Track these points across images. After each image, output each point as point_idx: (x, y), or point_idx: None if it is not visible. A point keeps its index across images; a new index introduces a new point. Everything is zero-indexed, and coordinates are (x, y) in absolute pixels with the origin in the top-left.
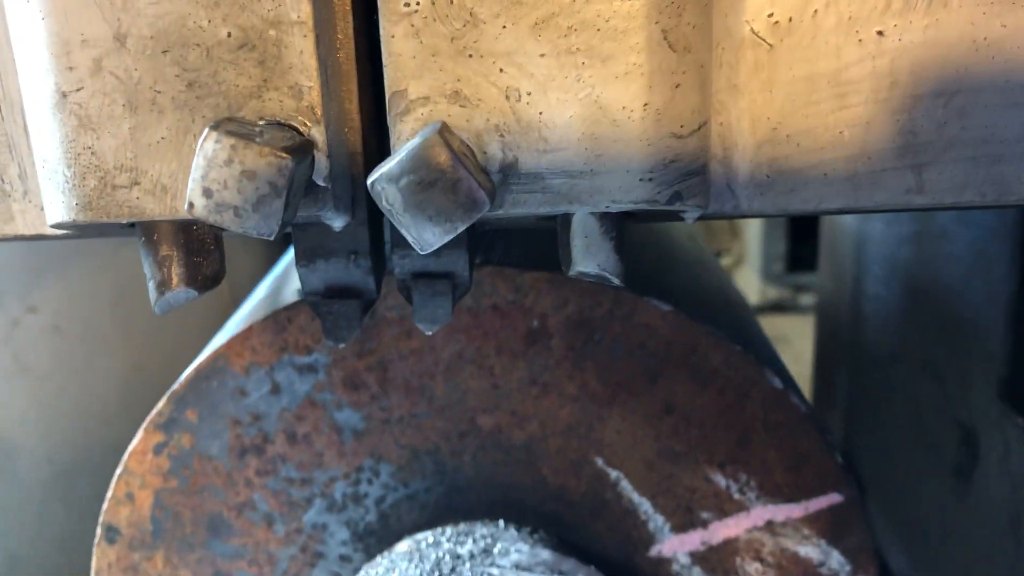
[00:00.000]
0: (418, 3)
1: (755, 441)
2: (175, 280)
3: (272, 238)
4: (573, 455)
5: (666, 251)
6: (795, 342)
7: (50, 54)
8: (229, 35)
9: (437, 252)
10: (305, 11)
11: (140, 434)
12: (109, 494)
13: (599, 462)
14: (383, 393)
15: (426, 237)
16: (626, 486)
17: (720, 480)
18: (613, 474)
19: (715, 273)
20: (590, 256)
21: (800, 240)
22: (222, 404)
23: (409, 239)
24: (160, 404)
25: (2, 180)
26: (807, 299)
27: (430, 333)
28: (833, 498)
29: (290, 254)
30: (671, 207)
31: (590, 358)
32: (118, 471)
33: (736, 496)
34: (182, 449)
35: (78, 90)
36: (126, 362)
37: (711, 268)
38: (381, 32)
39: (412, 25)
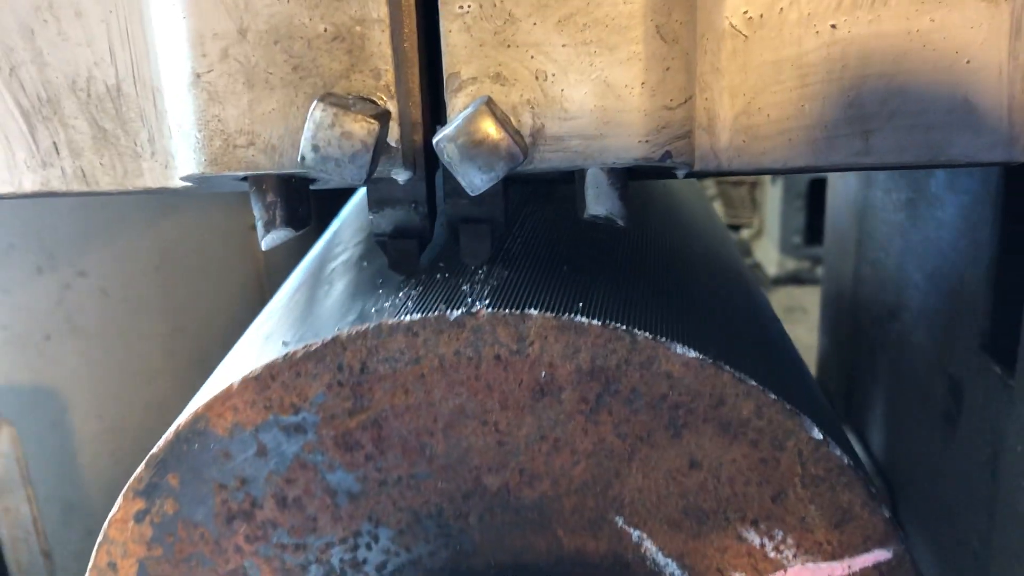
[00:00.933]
0: (469, 6)
1: (792, 496)
2: (279, 221)
3: (362, 184)
4: (590, 515)
5: (683, 224)
6: (812, 312)
7: (188, 44)
8: (325, 30)
9: (480, 199)
10: (383, 11)
11: (119, 501)
12: (90, 564)
13: (619, 521)
14: (379, 453)
15: (475, 182)
16: (649, 546)
17: (754, 538)
18: (635, 534)
19: (729, 249)
20: (600, 203)
21: (818, 213)
22: (205, 468)
23: (463, 184)
24: (139, 469)
25: (135, 144)
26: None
27: (474, 266)
28: (879, 555)
29: (316, 250)
30: (663, 163)
31: (606, 410)
32: (99, 539)
33: (772, 555)
34: (165, 516)
35: (209, 72)
36: (168, 324)
37: (727, 244)
38: (440, 27)
39: (464, 23)
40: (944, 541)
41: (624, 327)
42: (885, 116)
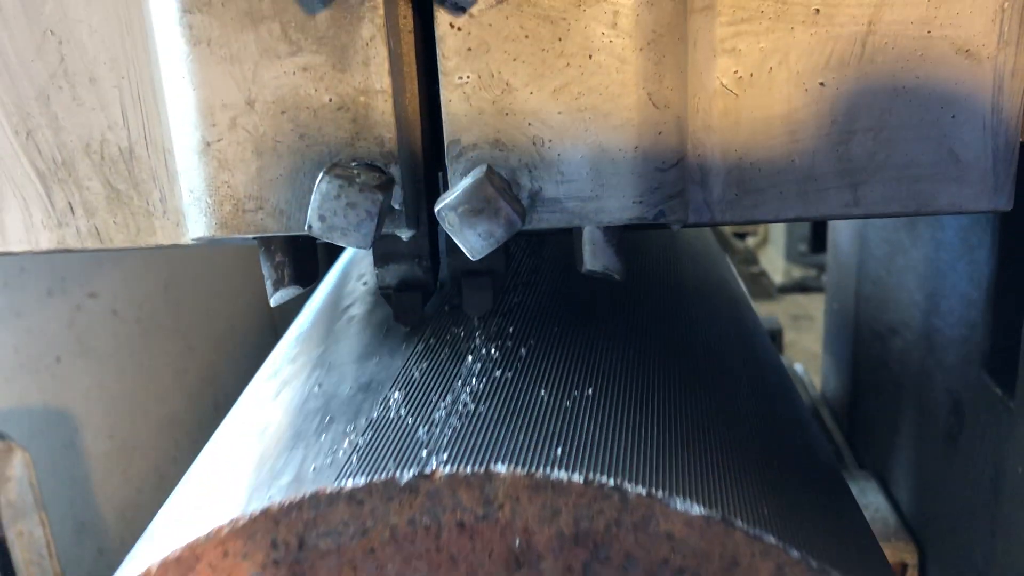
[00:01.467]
0: (468, 76)
1: None
2: (287, 279)
3: (368, 248)
4: None
5: (671, 248)
6: (819, 319)
7: (198, 114)
8: (330, 100)
9: None
10: (386, 83)
11: None
12: None
13: None
14: None
15: (476, 248)
16: None
17: None
18: None
19: (719, 265)
20: (597, 259)
21: (824, 222)
22: None
23: (464, 249)
24: None
25: (148, 203)
26: None
27: (477, 318)
28: None
29: (324, 288)
30: (657, 222)
31: None
32: None
33: None
34: None
35: (219, 140)
36: (177, 343)
37: (717, 261)
38: (441, 97)
39: (464, 92)
40: (947, 558)
41: (612, 482)
42: (873, 169)
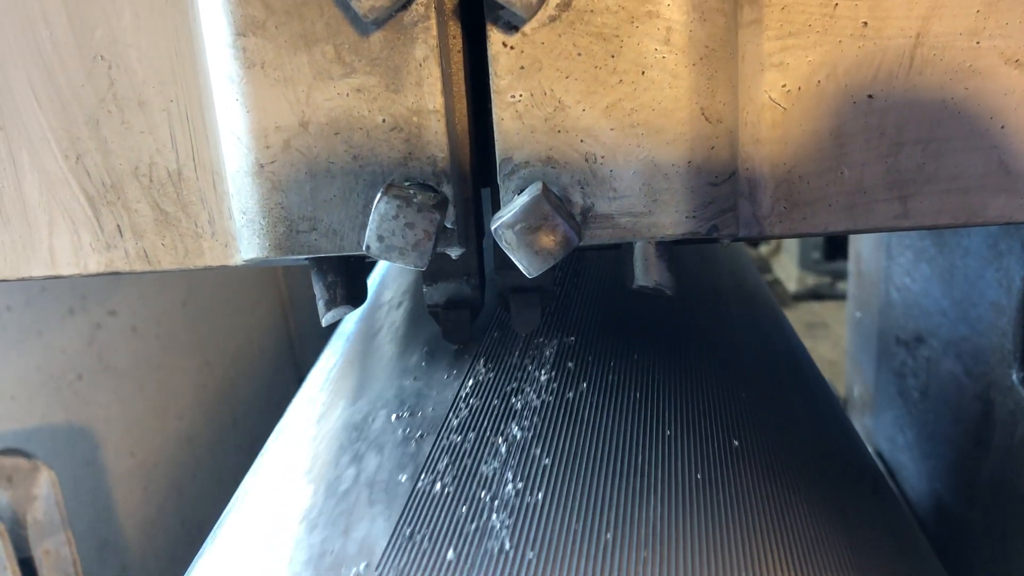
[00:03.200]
0: (521, 95)
1: None
2: (339, 299)
3: (424, 268)
4: None
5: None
6: (834, 327)
7: (252, 136)
8: (383, 121)
9: None
10: (439, 102)
11: None
12: None
13: None
14: None
15: (533, 265)
16: None
17: None
18: None
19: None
20: (648, 275)
21: None
22: None
23: (520, 267)
24: None
25: (196, 225)
26: (844, 286)
27: (524, 335)
28: None
29: (340, 338)
30: (710, 236)
31: None
32: None
33: None
34: None
35: (272, 162)
36: (196, 359)
37: (747, 269)
38: (493, 115)
39: (517, 111)
40: (974, 565)
41: None
42: (922, 181)
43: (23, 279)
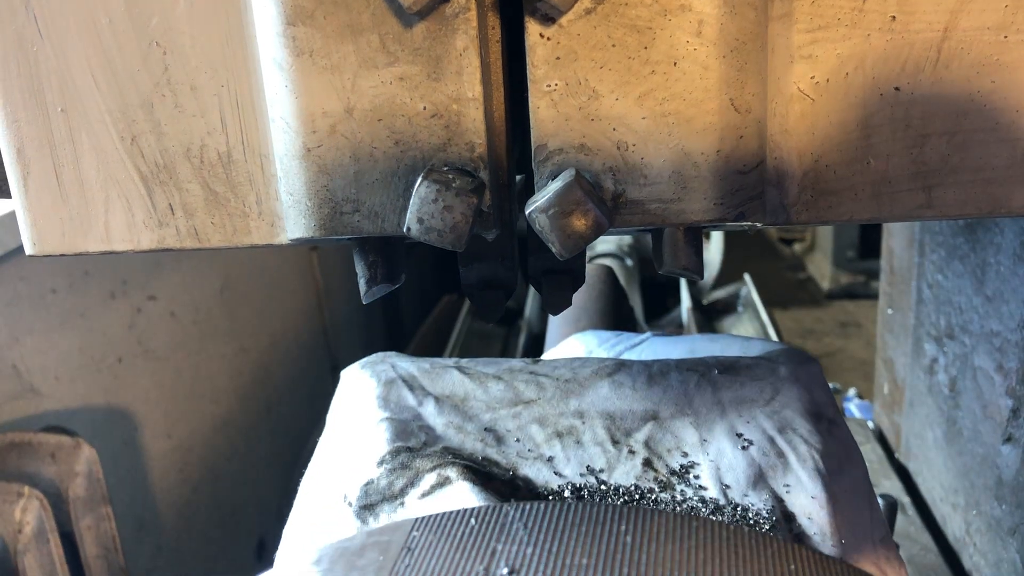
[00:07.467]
0: (556, 84)
1: None
2: (379, 278)
3: (461, 249)
4: None
5: None
6: (867, 327)
7: (299, 121)
8: (424, 108)
9: None
10: (477, 91)
11: None
12: None
13: None
14: None
15: (566, 248)
16: None
17: None
18: None
19: None
20: (676, 259)
21: (872, 226)
22: None
23: (553, 251)
24: None
25: (244, 205)
26: (878, 285)
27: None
28: None
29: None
30: (736, 223)
31: None
32: None
33: None
34: None
35: (319, 146)
36: (232, 344)
37: None
38: (529, 104)
39: (552, 99)
40: (1003, 563)
41: None
42: (947, 172)
43: (80, 254)
